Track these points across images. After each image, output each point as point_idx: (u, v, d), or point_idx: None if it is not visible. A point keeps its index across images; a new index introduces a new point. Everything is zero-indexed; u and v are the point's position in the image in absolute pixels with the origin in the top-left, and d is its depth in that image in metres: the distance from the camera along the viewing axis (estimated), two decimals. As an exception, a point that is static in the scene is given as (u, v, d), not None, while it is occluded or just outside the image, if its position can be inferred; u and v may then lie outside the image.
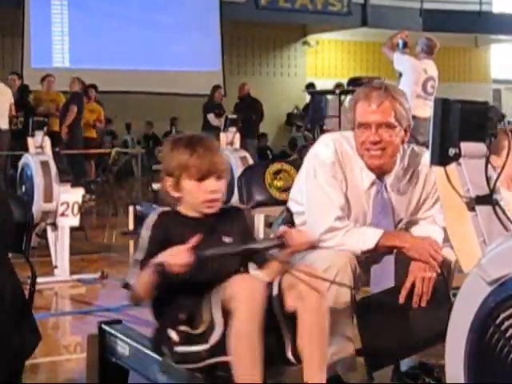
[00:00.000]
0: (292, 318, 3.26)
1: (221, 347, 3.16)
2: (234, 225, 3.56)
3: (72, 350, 5.45)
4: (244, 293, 3.12)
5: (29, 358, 3.00)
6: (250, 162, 9.26)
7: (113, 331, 4.06)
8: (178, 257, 3.13)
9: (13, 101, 13.63)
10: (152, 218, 3.44)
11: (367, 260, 3.99)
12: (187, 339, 3.30)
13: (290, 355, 3.25)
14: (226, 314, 3.16)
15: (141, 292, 3.27)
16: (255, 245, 3.47)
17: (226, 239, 3.48)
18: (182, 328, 3.33)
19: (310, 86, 19.79)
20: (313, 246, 3.57)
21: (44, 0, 19.89)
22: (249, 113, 16.23)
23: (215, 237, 3.44)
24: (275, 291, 3.31)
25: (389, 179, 4.12)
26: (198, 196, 3.41)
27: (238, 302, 3.11)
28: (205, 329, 3.25)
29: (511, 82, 28.13)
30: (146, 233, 3.39)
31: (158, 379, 3.68)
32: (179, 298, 3.38)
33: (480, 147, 2.81)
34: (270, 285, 3.31)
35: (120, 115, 19.68)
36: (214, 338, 3.20)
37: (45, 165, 7.99)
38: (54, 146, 9.09)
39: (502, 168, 2.86)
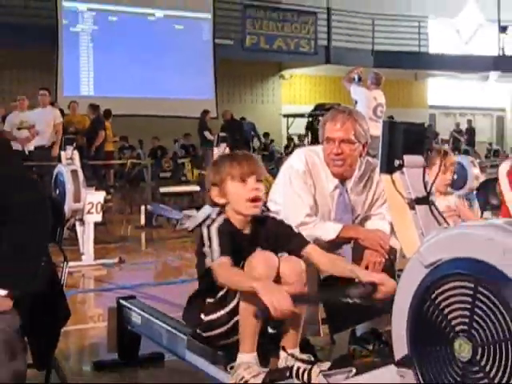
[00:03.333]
0: None
1: (235, 312, 3.08)
2: (269, 233, 3.31)
3: (96, 320, 5.44)
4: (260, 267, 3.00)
5: (63, 327, 2.99)
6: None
7: (128, 305, 4.07)
8: (282, 303, 2.78)
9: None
10: (219, 221, 3.15)
11: (330, 247, 4.00)
12: (211, 308, 3.18)
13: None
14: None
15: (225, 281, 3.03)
16: (347, 297, 3.02)
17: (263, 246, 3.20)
18: (208, 300, 3.22)
19: (242, 119, 19.82)
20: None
21: (73, 42, 19.91)
22: (233, 133, 16.16)
23: (253, 247, 3.15)
24: None
25: (349, 184, 4.12)
26: (242, 195, 3.16)
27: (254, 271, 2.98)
28: (223, 293, 3.13)
29: (444, 108, 28.21)
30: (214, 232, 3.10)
31: (164, 342, 3.69)
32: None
33: (419, 159, 2.81)
34: None
35: (133, 133, 19.60)
36: (231, 306, 3.11)
37: (74, 173, 7.97)
38: (81, 158, 9.05)
39: (434, 180, 2.88)
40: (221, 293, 3.14)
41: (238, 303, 3.07)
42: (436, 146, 4.92)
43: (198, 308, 3.26)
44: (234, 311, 3.10)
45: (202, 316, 3.22)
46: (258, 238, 3.25)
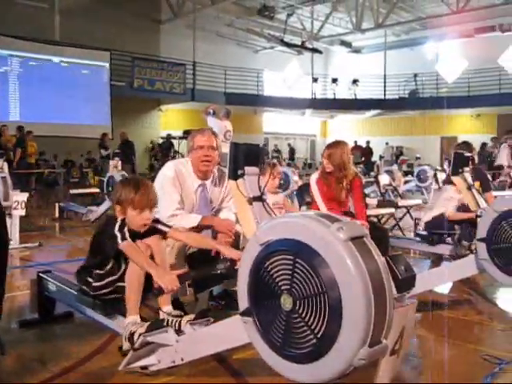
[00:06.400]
0: None
1: (118, 280, 3.23)
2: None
3: (22, 289, 5.16)
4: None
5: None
6: (128, 177, 9.13)
7: (45, 277, 3.92)
8: (172, 283, 2.85)
9: None
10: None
11: (195, 231, 3.99)
12: (100, 277, 3.30)
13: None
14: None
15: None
16: (216, 269, 3.02)
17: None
18: (96, 271, 3.32)
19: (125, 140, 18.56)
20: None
21: (3, 80, 18.97)
22: (126, 150, 15.79)
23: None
24: None
25: (208, 183, 4.17)
26: (137, 221, 3.12)
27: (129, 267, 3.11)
28: (111, 267, 3.25)
29: (274, 134, 28.76)
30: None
31: (72, 304, 3.59)
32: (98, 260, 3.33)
33: (255, 170, 2.85)
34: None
35: (50, 149, 18.91)
36: (119, 273, 3.23)
37: (4, 179, 7.67)
38: (9, 167, 8.69)
39: (265, 184, 2.93)
40: (108, 267, 3.26)
41: (120, 276, 3.22)
42: (267, 160, 5.20)
43: (87, 276, 3.36)
44: (117, 280, 3.24)
45: (92, 282, 3.32)
46: (145, 235, 3.19)
